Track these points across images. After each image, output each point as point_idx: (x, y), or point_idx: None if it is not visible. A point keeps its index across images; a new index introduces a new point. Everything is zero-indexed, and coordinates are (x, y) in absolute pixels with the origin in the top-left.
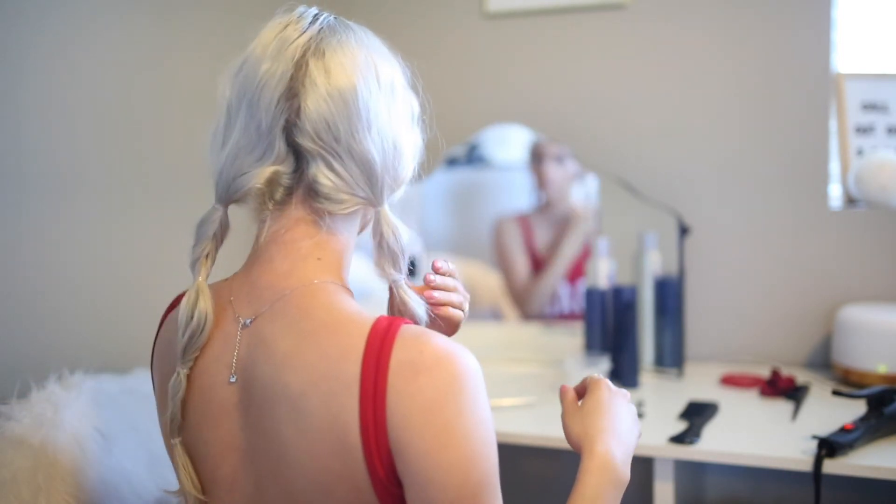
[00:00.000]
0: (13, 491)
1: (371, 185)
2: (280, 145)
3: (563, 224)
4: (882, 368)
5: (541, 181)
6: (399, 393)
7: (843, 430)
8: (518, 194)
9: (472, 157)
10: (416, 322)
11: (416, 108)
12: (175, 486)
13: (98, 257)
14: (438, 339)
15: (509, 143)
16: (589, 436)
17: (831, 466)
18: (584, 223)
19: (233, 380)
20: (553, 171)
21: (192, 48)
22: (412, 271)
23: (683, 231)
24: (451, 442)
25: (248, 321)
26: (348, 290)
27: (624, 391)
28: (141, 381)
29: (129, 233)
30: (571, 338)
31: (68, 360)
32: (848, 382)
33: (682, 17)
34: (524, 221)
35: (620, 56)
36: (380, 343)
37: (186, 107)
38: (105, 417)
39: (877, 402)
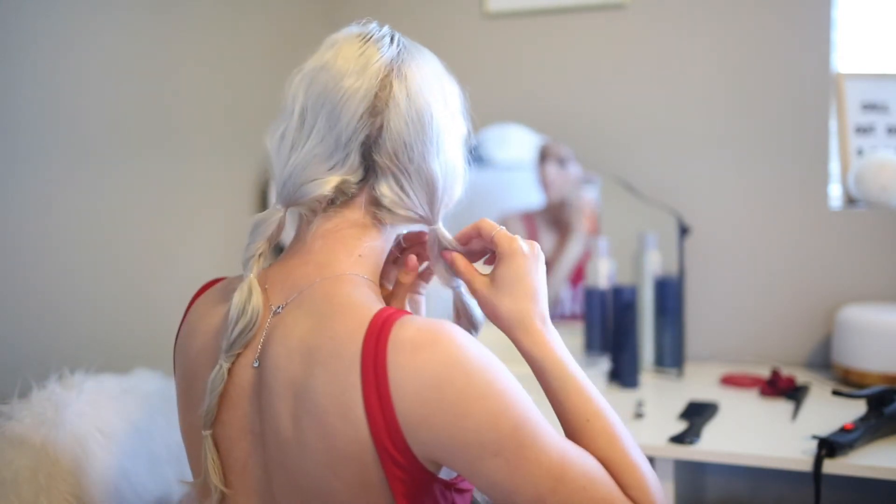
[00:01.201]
0: (14, 490)
1: (431, 204)
2: (355, 157)
3: (565, 227)
4: (882, 368)
5: (542, 182)
6: (401, 370)
7: (843, 430)
8: (518, 194)
9: (472, 157)
10: (474, 324)
11: (465, 131)
12: (185, 474)
13: (98, 257)
14: (432, 319)
15: (509, 143)
16: (519, 322)
17: (831, 466)
18: (585, 228)
19: (256, 364)
20: (553, 173)
21: (192, 42)
22: None
23: (683, 231)
24: (472, 406)
25: (279, 308)
26: (377, 284)
27: (535, 248)
28: (141, 381)
29: (130, 233)
30: (571, 338)
31: (69, 359)
32: (848, 382)
33: (681, 17)
34: (529, 220)
35: (620, 56)
36: (380, 324)
37: (185, 113)
38: (105, 417)
39: (877, 402)
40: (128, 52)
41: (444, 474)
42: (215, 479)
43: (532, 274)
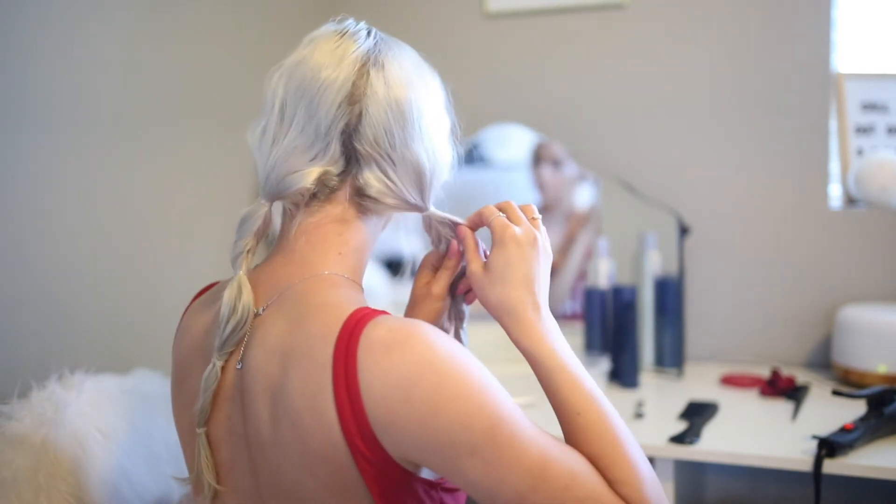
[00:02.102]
0: (14, 490)
1: (421, 190)
2: (336, 147)
3: (564, 227)
4: (882, 368)
5: (537, 184)
6: (370, 369)
7: (843, 430)
8: (518, 194)
9: (472, 157)
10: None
11: (450, 122)
12: (184, 474)
13: (98, 258)
14: (407, 319)
15: (509, 143)
16: (510, 311)
17: (831, 466)
18: (585, 229)
19: (239, 366)
20: (548, 176)
21: (192, 42)
22: (400, 270)
23: (683, 231)
24: (442, 405)
25: (261, 310)
26: (358, 283)
27: (532, 235)
28: (141, 381)
29: (129, 233)
30: (571, 338)
31: (69, 360)
32: (848, 382)
33: (681, 17)
34: None
35: (620, 56)
36: (353, 325)
37: (184, 114)
38: (105, 417)
39: (877, 402)
40: (127, 51)
41: (429, 474)
42: (209, 476)
43: (525, 261)
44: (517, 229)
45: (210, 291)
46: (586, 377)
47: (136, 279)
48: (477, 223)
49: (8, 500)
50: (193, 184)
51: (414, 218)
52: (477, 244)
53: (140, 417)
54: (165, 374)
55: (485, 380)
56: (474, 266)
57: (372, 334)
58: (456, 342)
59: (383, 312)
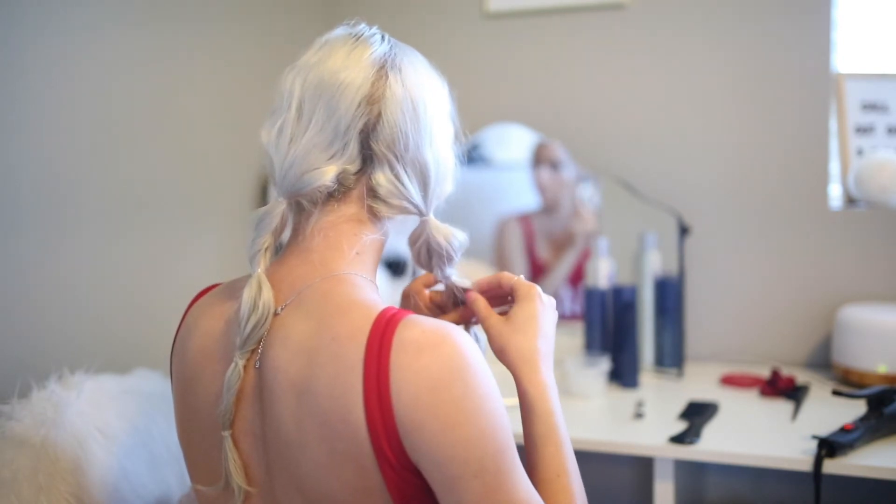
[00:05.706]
0: (14, 490)
1: (424, 195)
2: (354, 146)
3: (563, 226)
4: (882, 368)
5: (537, 185)
6: (403, 371)
7: (843, 430)
8: (518, 194)
9: (472, 156)
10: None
11: (453, 130)
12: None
13: (98, 257)
14: (438, 321)
15: (509, 143)
16: (526, 359)
17: (831, 466)
18: (583, 228)
19: (257, 365)
20: (546, 178)
21: (193, 45)
22: (401, 270)
23: (683, 231)
24: (465, 417)
25: (280, 309)
26: (374, 283)
27: (551, 300)
28: (141, 381)
29: (130, 232)
30: (572, 338)
31: (69, 360)
32: (848, 382)
33: (681, 17)
34: (526, 222)
35: (620, 56)
36: (384, 325)
37: (185, 115)
38: (105, 417)
39: (877, 402)
40: (131, 53)
41: None
42: (239, 479)
43: (546, 318)
44: (540, 290)
45: (212, 293)
46: (569, 441)
47: (137, 279)
48: (493, 285)
49: (8, 500)
50: (193, 185)
51: (414, 220)
52: (488, 305)
53: (140, 417)
54: (165, 373)
55: (500, 401)
56: (493, 320)
57: (404, 335)
58: (480, 353)
59: (409, 312)
